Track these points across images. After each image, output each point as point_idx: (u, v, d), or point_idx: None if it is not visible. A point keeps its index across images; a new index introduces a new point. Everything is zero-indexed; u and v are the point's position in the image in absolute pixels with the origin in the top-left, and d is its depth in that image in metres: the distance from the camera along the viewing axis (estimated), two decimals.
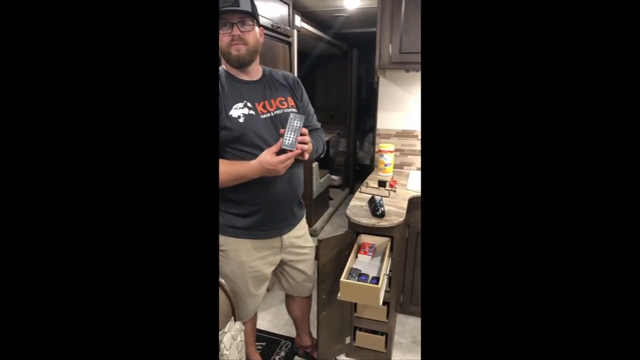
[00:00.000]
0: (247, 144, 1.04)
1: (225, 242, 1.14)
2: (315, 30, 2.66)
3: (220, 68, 1.11)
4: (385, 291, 1.33)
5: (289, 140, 0.99)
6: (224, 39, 1.01)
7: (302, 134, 1.01)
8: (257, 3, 1.75)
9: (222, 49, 1.03)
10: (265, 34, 1.84)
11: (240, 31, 1.01)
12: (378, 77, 2.00)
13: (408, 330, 1.74)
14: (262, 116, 1.07)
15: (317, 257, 1.35)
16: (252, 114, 1.06)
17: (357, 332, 1.53)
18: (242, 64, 1.06)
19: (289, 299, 1.48)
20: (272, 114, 1.09)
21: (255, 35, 1.05)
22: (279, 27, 1.93)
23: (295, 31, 2.23)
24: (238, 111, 1.04)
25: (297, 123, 1.00)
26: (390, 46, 1.67)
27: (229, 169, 1.01)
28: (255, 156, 1.03)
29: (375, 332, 1.51)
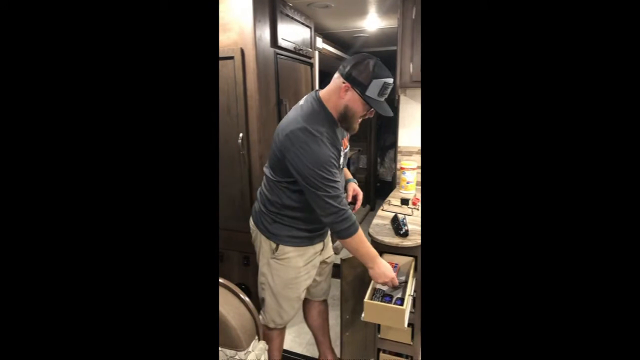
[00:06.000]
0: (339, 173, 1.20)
1: (288, 251, 1.26)
2: (336, 50, 2.72)
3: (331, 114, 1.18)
4: (410, 312, 1.31)
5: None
6: (358, 111, 1.17)
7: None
8: (280, 28, 1.80)
9: (350, 114, 1.16)
10: (288, 56, 1.89)
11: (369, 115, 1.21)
12: (399, 95, 2.01)
13: None
14: (342, 151, 1.24)
15: (340, 276, 1.35)
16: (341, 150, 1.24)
17: (381, 354, 1.49)
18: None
19: (307, 306, 1.52)
20: (345, 151, 1.27)
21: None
22: (301, 50, 1.99)
23: (317, 52, 2.29)
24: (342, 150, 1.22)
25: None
26: (410, 65, 1.68)
27: (369, 247, 1.21)
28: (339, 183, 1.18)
29: (399, 355, 1.47)
